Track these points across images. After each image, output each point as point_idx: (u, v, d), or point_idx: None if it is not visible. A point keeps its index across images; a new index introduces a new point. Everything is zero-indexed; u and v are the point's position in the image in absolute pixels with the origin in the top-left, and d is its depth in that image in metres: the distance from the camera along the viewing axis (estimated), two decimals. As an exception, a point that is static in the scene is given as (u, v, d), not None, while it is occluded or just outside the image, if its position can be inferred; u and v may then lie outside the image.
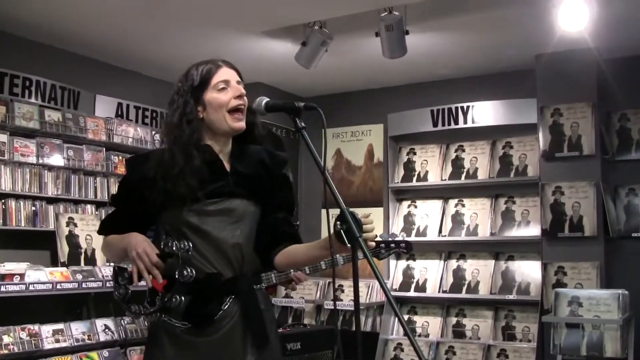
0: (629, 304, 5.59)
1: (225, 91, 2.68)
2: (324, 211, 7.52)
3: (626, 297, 5.53)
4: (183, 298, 2.56)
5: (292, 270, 4.07)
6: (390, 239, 5.01)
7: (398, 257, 7.24)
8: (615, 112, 6.57)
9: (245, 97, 2.71)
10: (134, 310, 2.62)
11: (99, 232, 2.84)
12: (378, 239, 4.98)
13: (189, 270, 2.54)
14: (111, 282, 2.73)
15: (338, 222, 2.30)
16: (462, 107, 7.10)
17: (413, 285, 7.15)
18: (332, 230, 2.36)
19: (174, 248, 2.56)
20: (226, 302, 2.63)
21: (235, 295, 2.65)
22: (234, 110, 2.68)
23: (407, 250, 5.01)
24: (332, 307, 7.15)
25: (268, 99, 2.61)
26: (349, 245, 2.29)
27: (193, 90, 2.67)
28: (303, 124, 2.47)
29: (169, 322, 2.61)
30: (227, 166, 2.73)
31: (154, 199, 2.59)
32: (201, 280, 2.60)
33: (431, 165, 7.32)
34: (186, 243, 2.57)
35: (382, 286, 2.17)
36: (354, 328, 7.10)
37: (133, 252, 2.55)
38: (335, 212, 2.34)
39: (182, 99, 2.66)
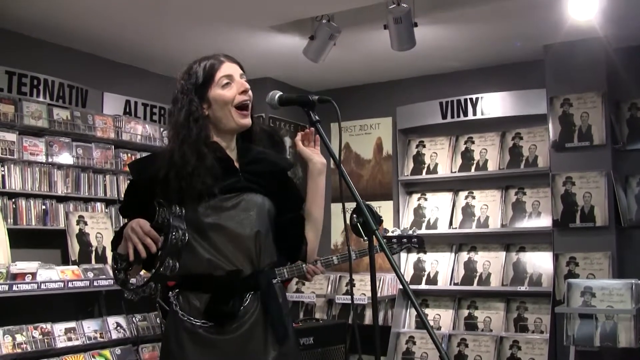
0: (642, 294, 5.58)
1: (229, 87, 2.66)
2: (333, 205, 7.56)
3: (639, 287, 5.51)
4: (177, 263, 2.47)
5: (304, 265, 4.06)
6: (403, 234, 5.00)
7: (409, 251, 7.22)
8: (625, 102, 6.54)
9: (250, 92, 2.70)
10: (130, 287, 2.53)
11: (112, 249, 2.71)
12: (390, 234, 4.97)
13: (180, 232, 2.47)
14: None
15: (354, 216, 2.29)
16: (471, 99, 7.08)
17: (424, 278, 7.13)
18: (348, 224, 2.35)
19: (167, 216, 2.49)
20: (246, 299, 2.62)
21: (255, 291, 2.64)
22: (239, 107, 2.66)
23: (419, 246, 4.98)
24: (344, 302, 7.13)
25: (281, 93, 2.60)
26: (365, 239, 2.29)
27: (197, 88, 2.64)
28: (317, 117, 2.46)
29: (188, 321, 2.58)
30: (236, 163, 2.71)
31: (168, 199, 2.54)
32: (222, 278, 2.58)
33: (441, 157, 7.30)
34: (177, 208, 2.51)
35: (400, 278, 2.16)
36: (366, 322, 7.12)
37: (128, 230, 2.47)
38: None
39: (186, 97, 2.63)
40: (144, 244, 2.42)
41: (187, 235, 2.49)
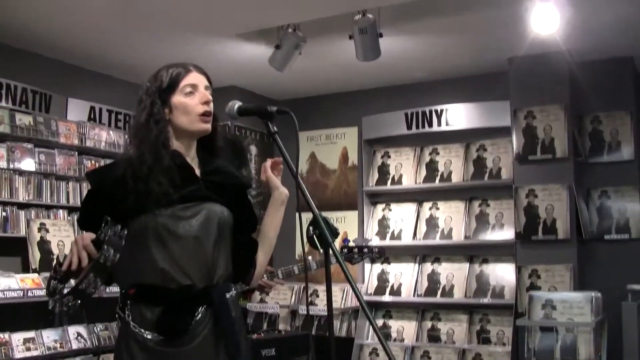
0: (602, 307, 5.62)
1: (192, 96, 2.65)
2: (297, 215, 7.54)
3: (599, 300, 5.55)
4: (99, 281, 2.42)
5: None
6: (363, 244, 5.03)
7: (372, 262, 7.22)
8: (587, 115, 6.61)
9: (211, 104, 2.69)
10: (54, 296, 2.46)
11: None
12: (352, 244, 4.99)
13: (111, 252, 2.40)
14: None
15: (311, 227, 2.30)
16: (436, 110, 7.11)
17: (388, 290, 7.13)
18: (304, 236, 2.36)
19: (108, 232, 2.42)
20: (198, 313, 2.59)
21: (207, 305, 2.61)
22: (200, 115, 2.66)
23: (380, 256, 5.03)
24: (307, 313, 7.12)
25: (240, 103, 2.59)
26: (321, 250, 2.29)
27: (161, 92, 2.64)
28: (275, 129, 2.46)
29: (139, 333, 2.54)
30: (197, 171, 2.70)
31: (126, 201, 2.51)
32: (174, 291, 2.55)
33: (405, 168, 7.32)
34: (119, 228, 2.44)
35: (354, 290, 2.17)
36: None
37: (73, 241, 2.44)
38: (306, 215, 2.35)
39: (149, 99, 2.63)
40: (79, 257, 2.39)
41: (117, 256, 2.42)
